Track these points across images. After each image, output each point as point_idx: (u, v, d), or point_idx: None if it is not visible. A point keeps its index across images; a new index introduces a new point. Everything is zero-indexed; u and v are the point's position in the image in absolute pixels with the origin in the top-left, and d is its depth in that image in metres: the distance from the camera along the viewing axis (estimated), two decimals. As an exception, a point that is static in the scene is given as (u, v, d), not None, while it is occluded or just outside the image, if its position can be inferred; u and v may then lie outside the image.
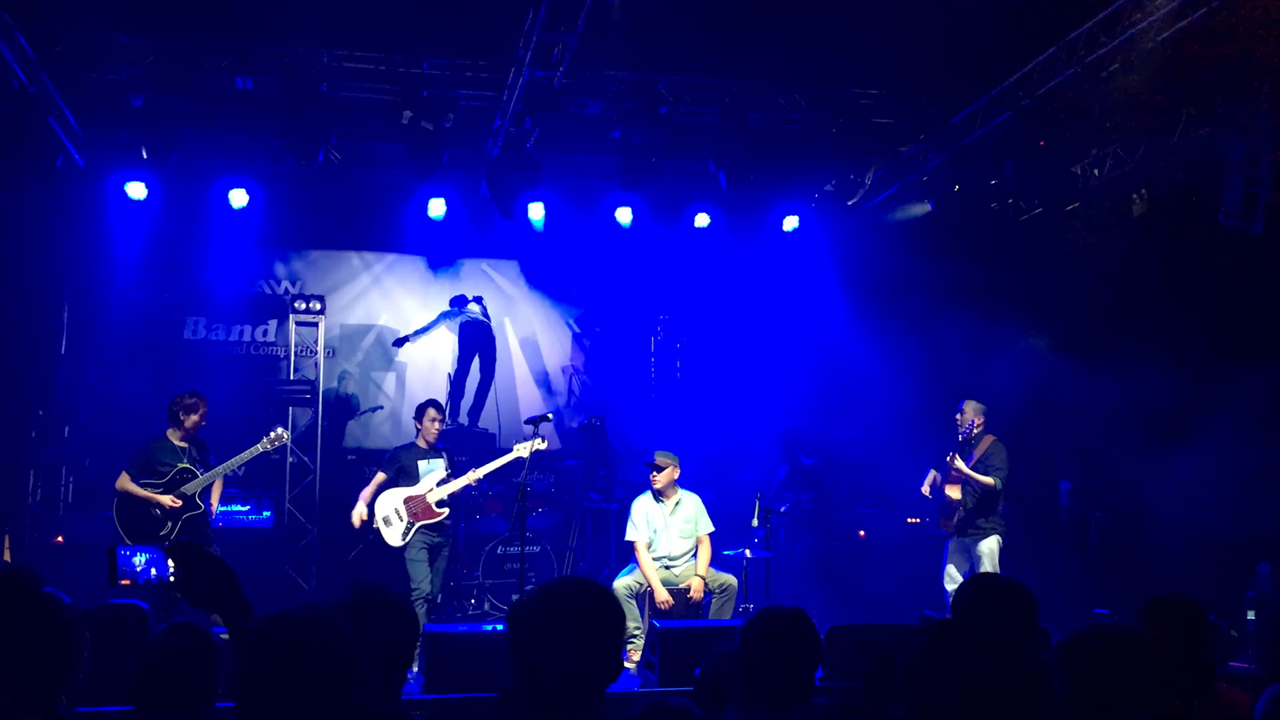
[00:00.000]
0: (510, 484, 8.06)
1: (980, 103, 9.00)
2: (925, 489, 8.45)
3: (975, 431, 8.24)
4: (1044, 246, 10.06)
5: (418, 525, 8.30)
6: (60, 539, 9.21)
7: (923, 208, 10.34)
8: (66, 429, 10.21)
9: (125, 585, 2.65)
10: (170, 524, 7.82)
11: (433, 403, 8.71)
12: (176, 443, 7.96)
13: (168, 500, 7.79)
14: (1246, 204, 7.48)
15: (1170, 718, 2.22)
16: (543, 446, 8.50)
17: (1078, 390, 9.46)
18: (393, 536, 8.33)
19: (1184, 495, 8.01)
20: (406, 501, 8.36)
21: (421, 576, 8.23)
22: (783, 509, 9.55)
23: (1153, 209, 9.00)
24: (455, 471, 8.53)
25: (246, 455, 8.27)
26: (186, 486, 7.87)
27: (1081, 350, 9.61)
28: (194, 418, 7.96)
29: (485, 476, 8.62)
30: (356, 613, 2.81)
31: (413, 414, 8.84)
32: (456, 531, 9.26)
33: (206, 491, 8.15)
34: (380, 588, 3.08)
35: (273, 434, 8.41)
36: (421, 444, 8.59)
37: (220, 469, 8.09)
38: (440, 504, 8.36)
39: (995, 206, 10.24)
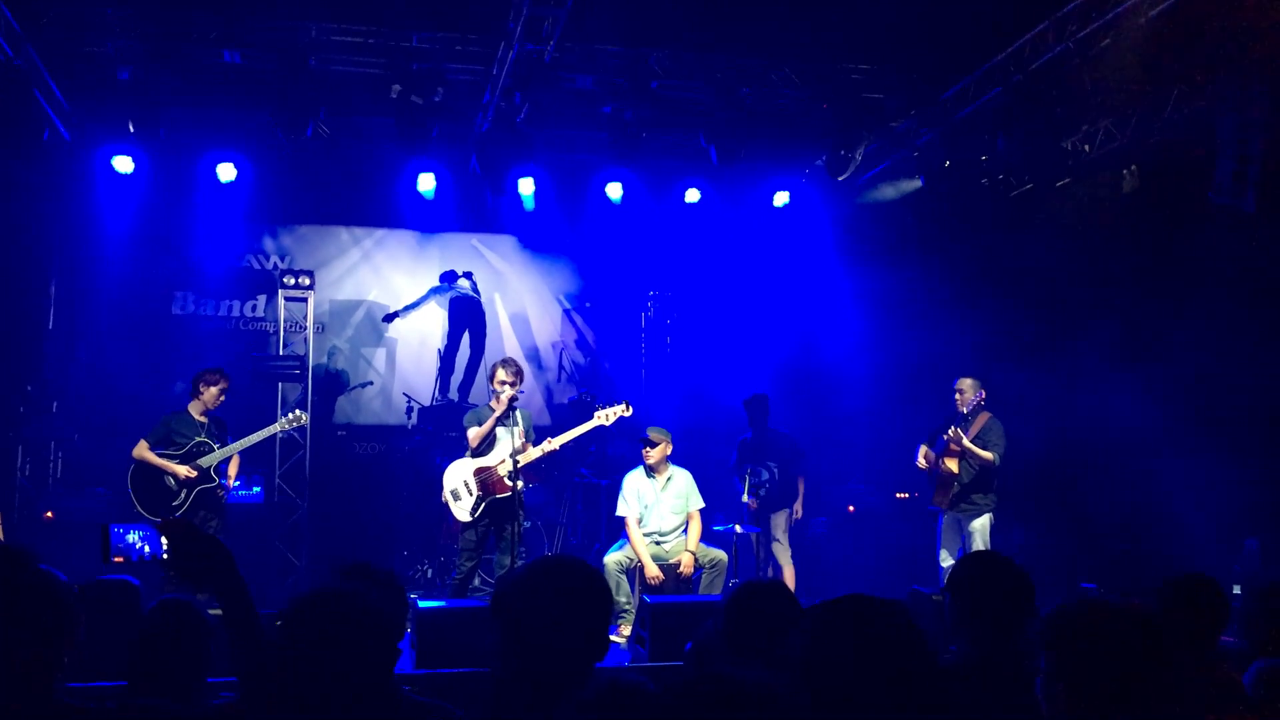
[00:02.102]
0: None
1: (972, 78, 8.98)
2: (920, 461, 8.47)
3: (975, 407, 8.27)
4: (1035, 222, 10.05)
5: (488, 500, 7.57)
6: (49, 515, 9.20)
7: (913, 183, 10.34)
8: (55, 404, 10.17)
9: (119, 563, 2.66)
10: (184, 494, 7.83)
11: (504, 361, 7.78)
12: (196, 416, 7.98)
13: (183, 471, 7.80)
14: (1237, 180, 7.49)
15: (1165, 693, 2.22)
16: (628, 414, 7.91)
17: (1073, 370, 9.45)
18: (461, 512, 7.59)
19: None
20: (478, 473, 7.62)
21: (469, 558, 7.55)
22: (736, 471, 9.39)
23: (1143, 185, 9.01)
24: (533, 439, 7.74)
25: (264, 433, 8.32)
26: (203, 459, 7.88)
27: (1074, 328, 9.61)
28: (213, 391, 7.97)
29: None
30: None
31: (487, 374, 7.89)
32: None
33: (224, 466, 8.16)
34: (365, 564, 3.09)
35: (291, 415, 8.58)
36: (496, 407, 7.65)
37: (236, 445, 8.11)
38: (512, 476, 7.42)
39: (986, 182, 10.22)
